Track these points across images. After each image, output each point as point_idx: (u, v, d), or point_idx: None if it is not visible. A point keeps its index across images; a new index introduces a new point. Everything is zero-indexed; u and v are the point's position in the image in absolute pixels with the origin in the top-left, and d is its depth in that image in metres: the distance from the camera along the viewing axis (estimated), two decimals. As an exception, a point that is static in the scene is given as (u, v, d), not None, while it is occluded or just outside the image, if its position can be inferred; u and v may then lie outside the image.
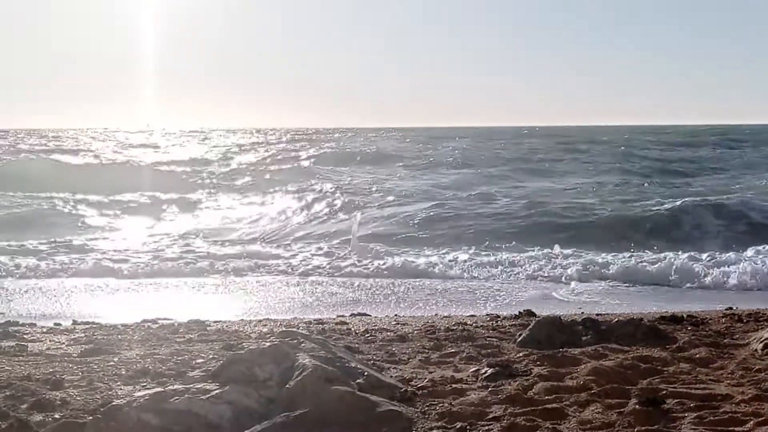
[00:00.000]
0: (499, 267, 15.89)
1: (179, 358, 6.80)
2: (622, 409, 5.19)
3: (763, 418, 4.96)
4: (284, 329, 7.01)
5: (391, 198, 28.02)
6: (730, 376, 6.10)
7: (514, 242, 18.98)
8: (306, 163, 43.53)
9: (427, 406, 5.38)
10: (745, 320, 8.66)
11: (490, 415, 5.16)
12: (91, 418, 5.01)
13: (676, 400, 5.33)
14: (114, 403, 5.13)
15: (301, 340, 5.89)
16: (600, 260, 16.15)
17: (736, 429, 4.86)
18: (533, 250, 17.41)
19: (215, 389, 5.28)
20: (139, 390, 5.59)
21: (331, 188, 30.31)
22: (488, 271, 15.56)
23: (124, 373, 6.31)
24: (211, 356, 6.83)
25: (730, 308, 9.83)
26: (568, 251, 17.14)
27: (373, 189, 30.66)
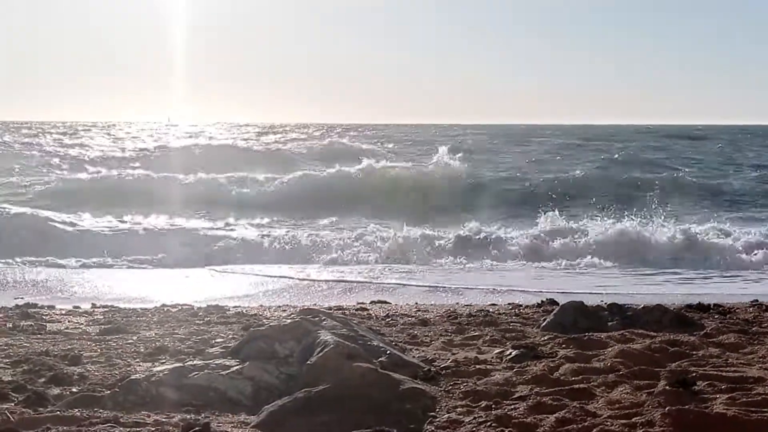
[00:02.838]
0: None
1: (198, 338, 6.73)
2: (652, 390, 5.05)
3: (797, 400, 4.82)
4: (305, 308, 6.90)
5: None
6: (761, 360, 5.95)
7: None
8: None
9: (450, 385, 5.26)
10: (773, 310, 8.53)
11: (516, 395, 5.04)
12: (109, 391, 4.93)
13: (706, 382, 5.19)
14: (132, 378, 5.05)
15: (323, 318, 5.78)
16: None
17: (770, 410, 4.72)
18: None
19: (235, 365, 5.20)
20: (158, 366, 5.50)
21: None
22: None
23: (142, 350, 6.24)
24: (230, 336, 6.75)
25: (756, 300, 9.68)
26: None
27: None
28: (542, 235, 17.40)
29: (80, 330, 7.28)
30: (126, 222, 19.37)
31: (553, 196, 23.65)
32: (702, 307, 8.46)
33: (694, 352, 6.14)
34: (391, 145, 47.70)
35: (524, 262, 15.66)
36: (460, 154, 30.90)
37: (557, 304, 8.71)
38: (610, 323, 7.24)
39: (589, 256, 15.65)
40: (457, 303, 10.14)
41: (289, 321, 5.67)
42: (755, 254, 15.84)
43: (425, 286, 12.37)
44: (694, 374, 5.38)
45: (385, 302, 9.99)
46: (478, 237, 17.31)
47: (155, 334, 6.99)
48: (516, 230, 18.23)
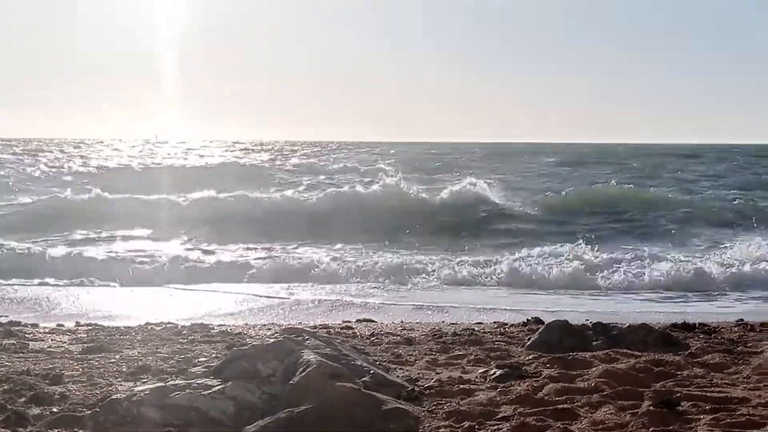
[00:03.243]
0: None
1: (181, 357, 6.69)
2: (636, 411, 5.04)
3: (781, 421, 4.82)
4: (289, 327, 6.87)
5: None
6: (745, 380, 5.96)
7: None
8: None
9: (434, 405, 5.24)
10: (758, 329, 8.54)
11: (500, 415, 5.03)
12: (89, 412, 4.90)
13: (690, 403, 5.19)
14: (114, 398, 5.01)
15: (306, 337, 5.75)
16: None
17: (754, 431, 4.72)
18: None
19: (217, 385, 5.16)
20: (140, 385, 5.45)
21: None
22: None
23: (124, 369, 6.20)
24: (213, 355, 6.71)
25: (741, 319, 9.68)
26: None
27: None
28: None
29: (63, 348, 7.23)
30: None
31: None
32: (687, 327, 8.46)
33: (679, 372, 6.13)
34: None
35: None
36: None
37: (542, 322, 8.70)
38: (594, 342, 7.23)
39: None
40: (443, 321, 10.11)
41: (271, 340, 5.64)
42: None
43: (411, 305, 12.33)
44: (678, 395, 5.38)
45: (371, 320, 9.96)
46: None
47: (138, 352, 6.95)
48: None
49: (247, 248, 18.95)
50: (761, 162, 57.44)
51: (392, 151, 73.62)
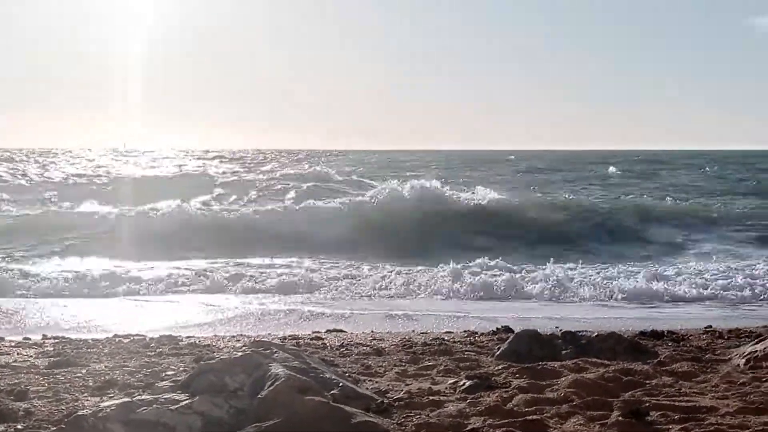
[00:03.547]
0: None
1: (149, 370, 6.63)
2: (605, 421, 5.04)
3: (749, 430, 4.84)
4: (257, 340, 6.83)
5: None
6: (714, 389, 5.98)
7: None
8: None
9: (403, 417, 5.22)
10: (726, 336, 8.59)
11: (469, 427, 5.01)
12: (54, 428, 4.84)
13: (659, 413, 5.19)
14: (79, 413, 4.95)
15: (275, 350, 5.71)
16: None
17: (722, 441, 4.74)
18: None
19: (184, 399, 5.10)
20: (106, 401, 5.39)
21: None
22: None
23: (91, 384, 6.13)
24: (181, 368, 6.66)
25: (710, 326, 9.73)
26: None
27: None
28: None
29: (29, 363, 7.14)
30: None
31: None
32: (656, 334, 8.49)
33: (648, 382, 6.15)
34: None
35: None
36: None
37: (512, 331, 8.71)
38: (564, 351, 7.24)
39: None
40: (413, 331, 10.10)
41: (239, 353, 5.60)
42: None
43: (382, 313, 12.32)
44: (647, 404, 5.39)
45: (341, 331, 9.92)
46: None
47: (105, 366, 6.88)
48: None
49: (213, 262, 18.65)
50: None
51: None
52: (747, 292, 14.24)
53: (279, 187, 34.07)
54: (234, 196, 30.08)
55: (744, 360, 6.98)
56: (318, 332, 9.58)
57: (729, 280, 15.13)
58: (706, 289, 14.55)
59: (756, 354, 7.01)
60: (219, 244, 20.55)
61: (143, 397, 5.23)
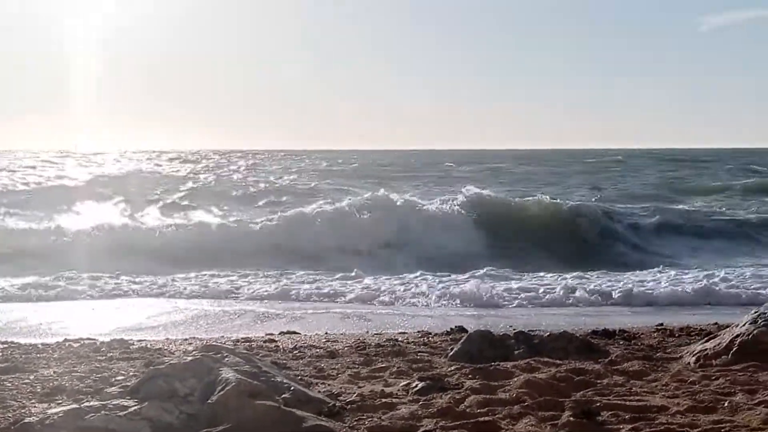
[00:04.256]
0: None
1: (98, 376, 6.54)
2: (556, 422, 5.07)
3: (699, 429, 4.88)
4: (208, 344, 6.79)
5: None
6: (664, 388, 6.03)
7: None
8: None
9: (355, 420, 5.21)
10: (676, 334, 8.66)
11: (421, 429, 5.01)
12: (0, 436, 4.76)
13: (610, 412, 5.23)
14: (26, 421, 4.89)
15: (225, 354, 5.67)
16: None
17: (672, 440, 4.77)
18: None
19: (133, 405, 5.05)
20: (54, 407, 5.32)
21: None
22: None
23: (39, 390, 6.04)
24: (131, 373, 6.58)
25: (661, 324, 9.81)
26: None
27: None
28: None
29: (-25, 370, 7.02)
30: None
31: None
32: (607, 333, 8.54)
33: (599, 381, 6.19)
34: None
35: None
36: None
37: (466, 331, 8.72)
38: (516, 351, 7.26)
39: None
40: (367, 331, 10.08)
41: (189, 358, 5.55)
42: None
43: (337, 313, 12.29)
44: (598, 404, 5.42)
45: (295, 332, 9.88)
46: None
47: (54, 372, 6.78)
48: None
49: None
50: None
51: (340, 160, 73.12)
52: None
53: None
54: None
55: (694, 358, 7.05)
56: (271, 334, 9.53)
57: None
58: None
59: (706, 352, 7.08)
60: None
61: (92, 403, 5.18)
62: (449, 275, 15.75)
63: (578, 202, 26.42)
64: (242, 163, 64.32)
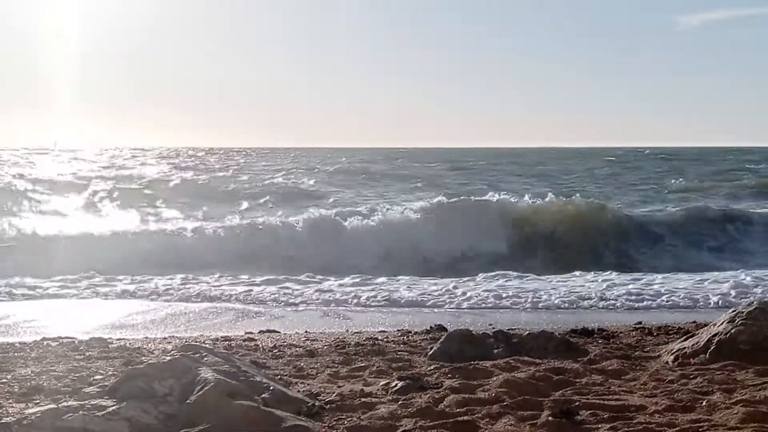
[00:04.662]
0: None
1: (77, 375, 6.50)
2: (535, 421, 5.08)
3: (677, 429, 4.90)
4: (187, 343, 6.76)
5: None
6: (642, 387, 6.05)
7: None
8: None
9: (335, 420, 5.20)
10: (655, 333, 8.69)
11: (400, 429, 5.01)
12: (-24, 437, 4.73)
13: (589, 412, 5.25)
14: (2, 421, 4.85)
15: (204, 354, 5.66)
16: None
17: (650, 439, 4.79)
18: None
19: (112, 405, 5.03)
20: (32, 407, 5.29)
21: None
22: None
23: (16, 390, 6.00)
24: (110, 372, 6.55)
25: (640, 322, 9.84)
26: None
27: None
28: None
29: (-49, 369, 6.97)
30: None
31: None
32: (586, 332, 8.56)
33: (578, 380, 6.20)
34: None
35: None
36: None
37: (445, 330, 8.73)
38: (496, 351, 7.27)
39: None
40: (347, 330, 10.06)
41: (168, 358, 5.53)
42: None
43: (317, 312, 12.28)
44: (577, 403, 5.43)
45: (275, 331, 9.85)
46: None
47: (32, 371, 6.74)
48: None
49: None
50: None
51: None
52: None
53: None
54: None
55: (672, 357, 7.08)
56: (251, 333, 9.51)
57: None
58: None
59: (684, 351, 7.12)
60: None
61: (70, 403, 5.15)
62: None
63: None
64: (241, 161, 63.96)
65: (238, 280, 15.38)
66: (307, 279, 15.33)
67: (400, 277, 15.51)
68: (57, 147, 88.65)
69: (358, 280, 15.08)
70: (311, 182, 39.97)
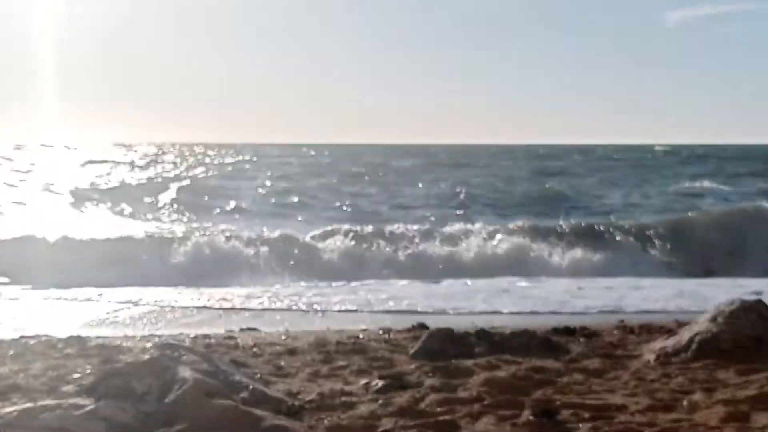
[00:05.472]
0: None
1: (54, 373, 6.43)
2: (516, 421, 5.06)
3: (658, 428, 4.89)
4: (165, 342, 6.71)
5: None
6: (624, 386, 6.04)
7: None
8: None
9: (315, 420, 5.17)
10: (637, 332, 8.66)
11: (380, 428, 4.98)
12: (-50, 437, 4.67)
13: (570, 411, 5.23)
14: (-22, 420, 4.79)
15: (183, 353, 5.61)
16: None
17: (631, 439, 4.77)
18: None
19: (89, 404, 4.97)
20: (8, 406, 5.22)
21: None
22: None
23: (-7, 389, 5.93)
24: (88, 371, 6.48)
25: (622, 321, 9.83)
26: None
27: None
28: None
29: (-72, 368, 6.90)
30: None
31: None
32: (568, 330, 8.53)
33: (559, 379, 6.19)
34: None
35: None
36: None
37: (427, 328, 8.70)
38: (477, 349, 7.25)
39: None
40: (328, 328, 10.01)
41: (146, 356, 5.50)
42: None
43: (300, 310, 12.23)
44: (558, 403, 5.42)
45: (255, 329, 9.79)
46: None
47: (9, 369, 6.66)
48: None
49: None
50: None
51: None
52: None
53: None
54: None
55: (654, 356, 7.07)
56: (231, 331, 9.44)
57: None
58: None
59: (666, 350, 7.11)
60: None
61: (46, 402, 5.09)
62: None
63: None
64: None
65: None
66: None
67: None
68: (33, 143, 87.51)
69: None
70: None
